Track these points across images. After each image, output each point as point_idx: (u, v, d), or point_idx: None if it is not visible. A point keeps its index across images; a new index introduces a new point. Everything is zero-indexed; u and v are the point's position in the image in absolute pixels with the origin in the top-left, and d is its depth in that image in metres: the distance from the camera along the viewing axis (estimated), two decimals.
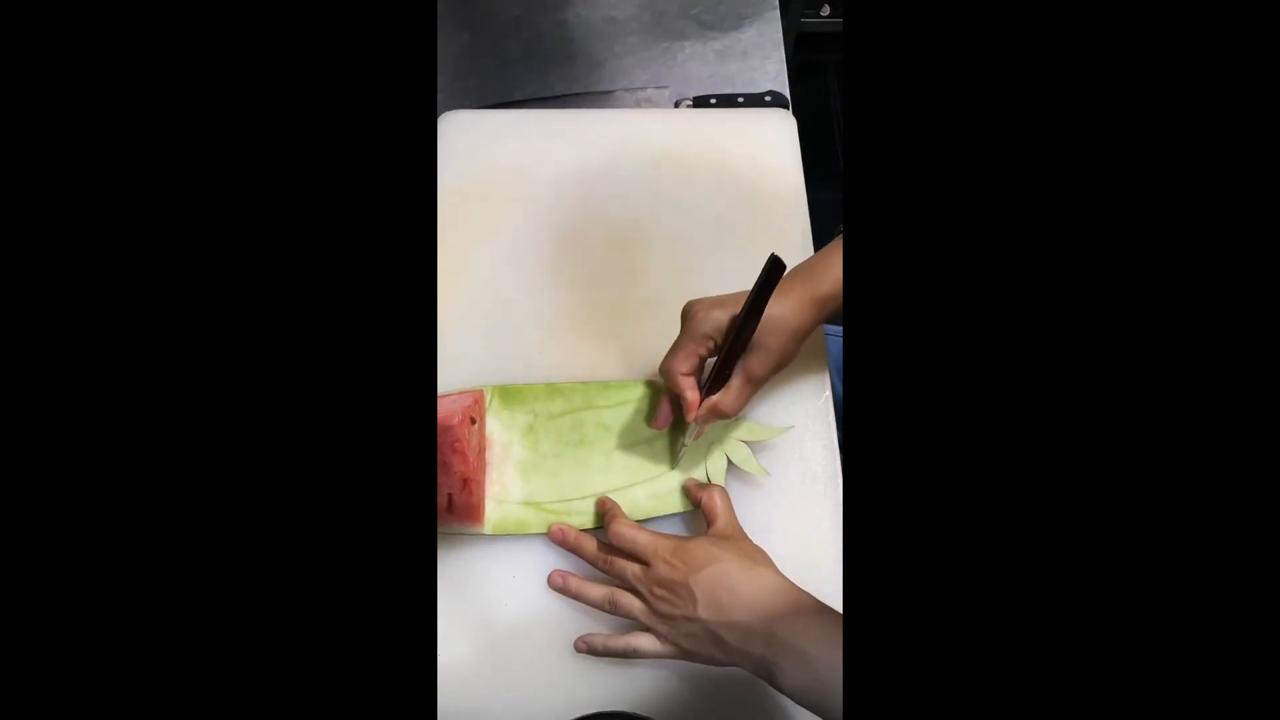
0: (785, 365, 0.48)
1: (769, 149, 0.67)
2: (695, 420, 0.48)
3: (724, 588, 0.42)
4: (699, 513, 0.50)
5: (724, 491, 0.49)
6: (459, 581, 0.50)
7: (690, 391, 0.47)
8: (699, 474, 0.52)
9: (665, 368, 0.48)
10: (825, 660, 0.39)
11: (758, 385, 0.48)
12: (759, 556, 0.45)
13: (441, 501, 0.49)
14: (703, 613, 0.42)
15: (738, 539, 0.47)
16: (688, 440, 0.50)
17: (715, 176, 0.66)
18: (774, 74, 0.78)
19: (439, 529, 0.50)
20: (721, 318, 0.46)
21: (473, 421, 0.52)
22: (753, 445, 0.52)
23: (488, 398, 0.54)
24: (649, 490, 0.51)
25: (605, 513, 0.49)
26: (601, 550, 0.48)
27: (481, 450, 0.52)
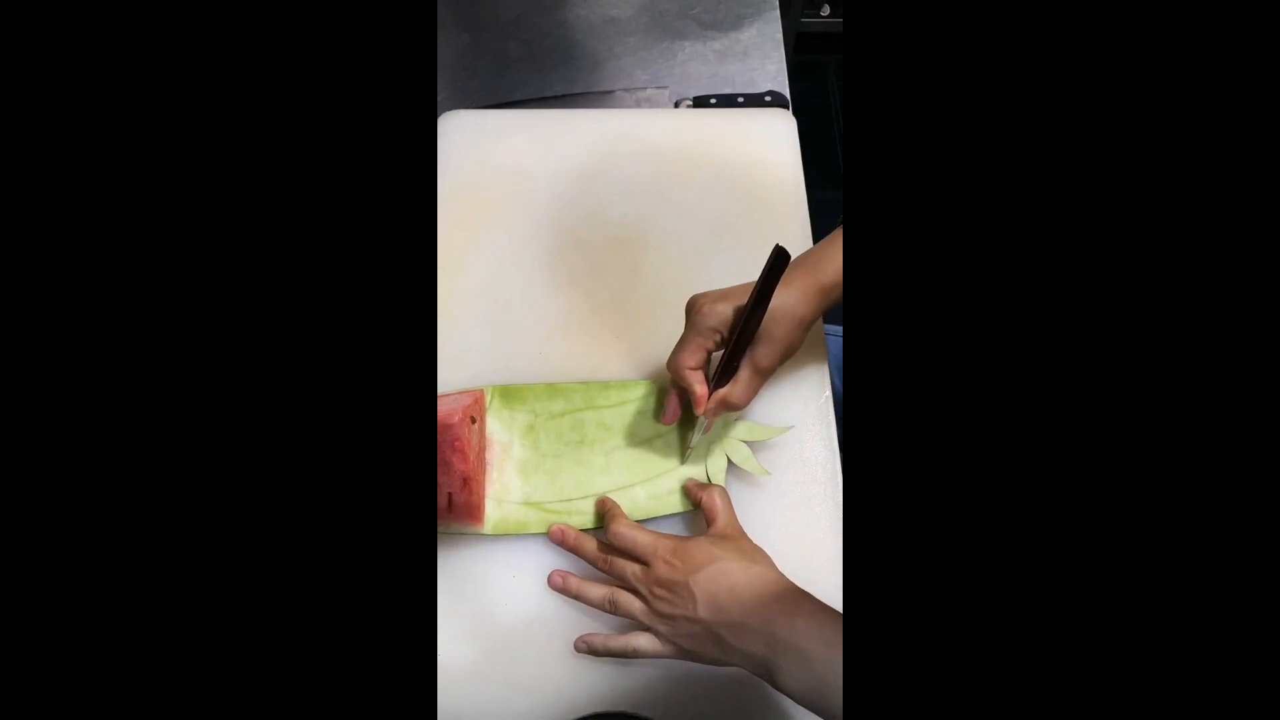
0: (792, 355, 0.49)
1: (769, 149, 0.67)
2: (704, 414, 0.48)
3: (724, 588, 0.42)
4: (699, 513, 0.50)
5: (724, 491, 0.49)
6: (459, 581, 0.50)
7: (699, 385, 0.47)
8: (699, 474, 0.52)
9: (673, 363, 0.48)
10: (825, 660, 0.39)
11: (765, 376, 0.48)
12: (759, 556, 0.45)
13: (441, 501, 0.49)
14: (702, 613, 0.42)
15: (738, 539, 0.47)
16: (697, 435, 0.50)
17: (715, 176, 0.66)
18: (774, 74, 0.78)
19: (439, 529, 0.50)
20: (726, 311, 0.47)
21: (473, 421, 0.52)
22: (753, 445, 0.52)
23: (488, 397, 0.54)
24: (649, 490, 0.51)
25: (605, 513, 0.49)
26: (601, 550, 0.48)
27: (481, 450, 0.52)
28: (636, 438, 0.53)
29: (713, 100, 0.74)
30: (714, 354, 0.49)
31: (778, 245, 0.41)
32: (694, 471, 0.52)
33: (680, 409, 0.51)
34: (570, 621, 0.49)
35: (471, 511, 0.50)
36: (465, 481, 0.49)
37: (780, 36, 0.80)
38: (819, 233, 0.63)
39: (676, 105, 0.76)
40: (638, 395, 0.54)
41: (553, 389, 0.55)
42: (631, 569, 0.45)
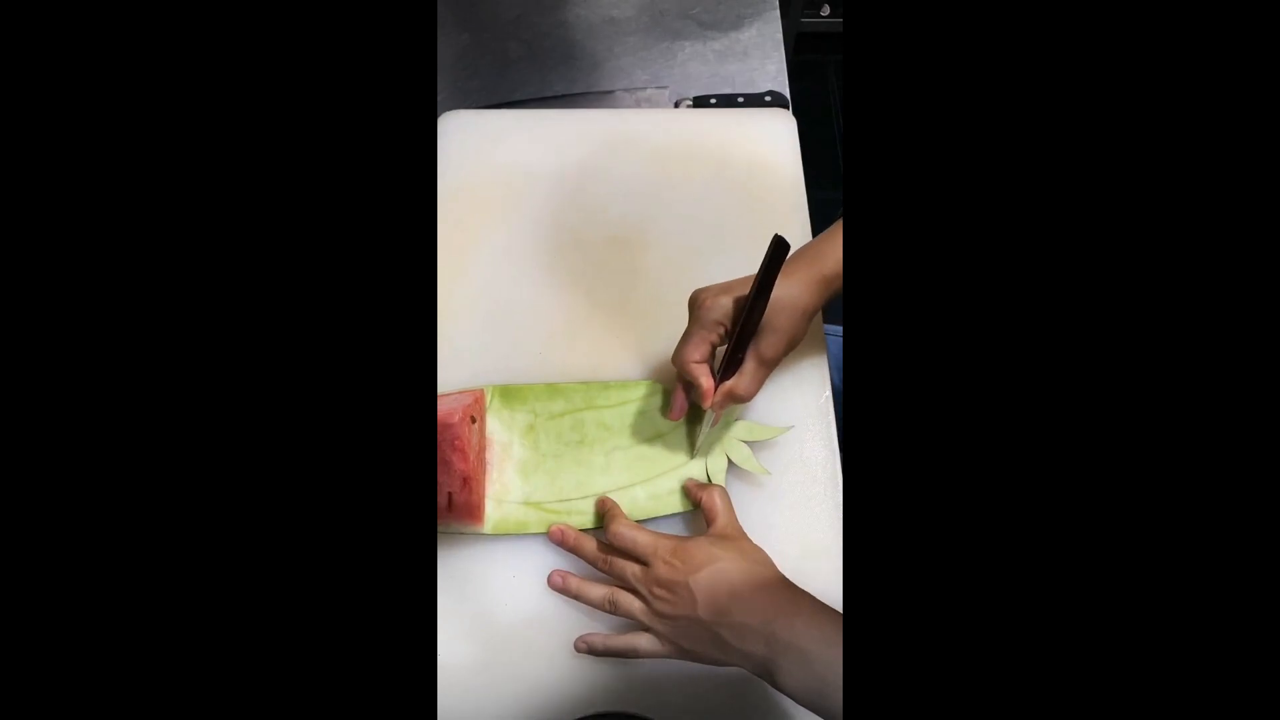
0: (796, 345, 0.49)
1: (769, 149, 0.67)
2: (712, 407, 0.48)
3: (723, 588, 0.42)
4: (699, 513, 0.50)
5: (724, 491, 0.49)
6: (459, 581, 0.50)
7: (705, 379, 0.48)
8: (699, 474, 0.52)
9: (678, 358, 0.48)
10: (825, 659, 0.39)
11: (771, 367, 0.48)
12: (759, 556, 0.45)
13: (442, 500, 0.49)
14: (702, 613, 0.42)
15: (737, 539, 0.47)
16: (705, 428, 0.51)
17: (715, 176, 0.66)
18: (774, 74, 0.78)
19: (439, 528, 0.50)
20: (729, 303, 0.47)
21: (473, 420, 0.52)
22: (752, 445, 0.52)
23: (488, 397, 0.54)
24: (649, 490, 0.51)
25: (605, 513, 0.49)
26: (601, 550, 0.48)
27: (482, 450, 0.52)
28: (637, 438, 0.53)
29: (713, 100, 0.74)
30: (718, 348, 0.49)
31: (776, 235, 0.41)
32: (693, 471, 0.52)
33: (687, 404, 0.51)
34: (570, 621, 0.49)
35: (471, 511, 0.50)
36: (465, 481, 0.49)
37: (780, 36, 0.80)
38: (819, 233, 0.63)
39: (676, 105, 0.76)
40: (638, 395, 0.54)
41: (553, 389, 0.55)
42: (631, 569, 0.45)
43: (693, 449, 0.52)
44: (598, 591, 0.47)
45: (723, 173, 0.66)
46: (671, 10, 0.82)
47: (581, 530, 0.50)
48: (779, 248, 0.41)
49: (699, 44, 0.80)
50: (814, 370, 0.57)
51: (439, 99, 0.76)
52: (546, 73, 0.78)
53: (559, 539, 0.49)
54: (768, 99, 0.74)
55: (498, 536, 0.51)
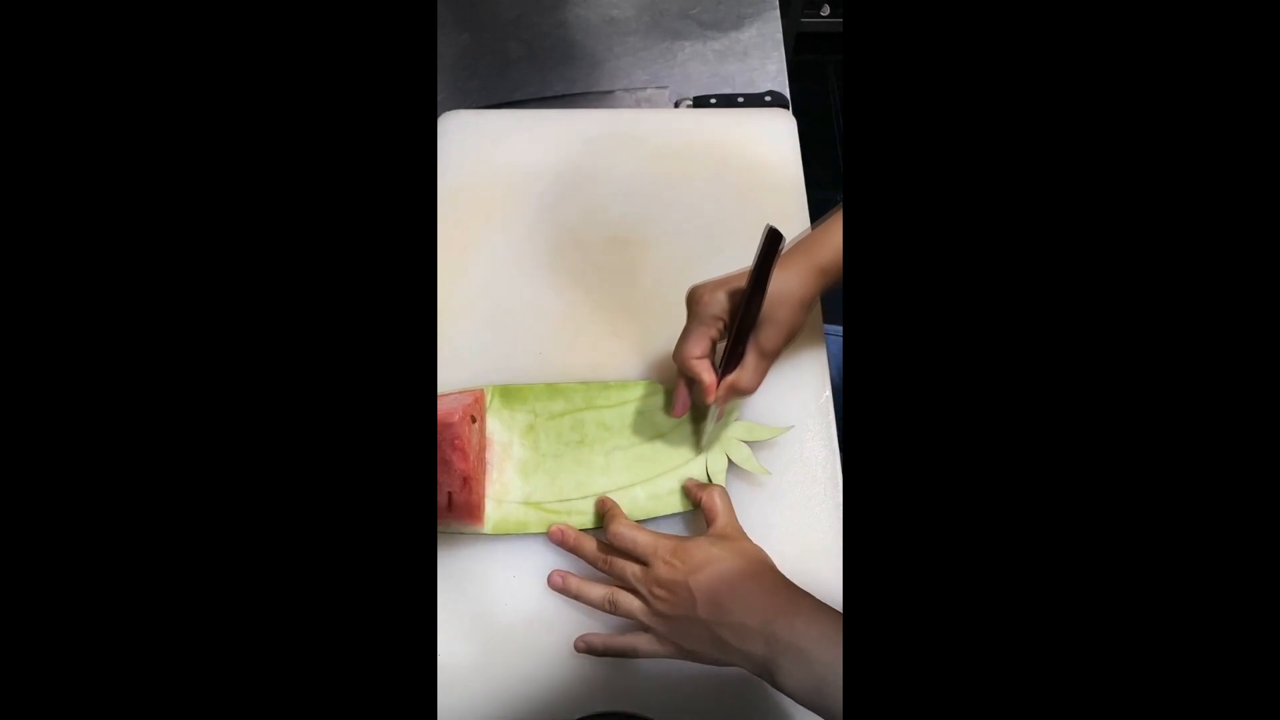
0: (795, 336, 0.49)
1: (769, 149, 0.67)
2: (715, 401, 0.48)
3: (723, 588, 0.42)
4: (699, 513, 0.50)
5: (724, 491, 0.49)
6: (459, 581, 0.50)
7: (707, 374, 0.48)
8: (699, 473, 0.52)
9: (679, 354, 0.48)
10: (825, 659, 0.39)
11: (771, 359, 0.48)
12: (759, 556, 0.45)
13: (441, 500, 0.49)
14: (702, 613, 0.42)
15: (737, 539, 0.47)
16: (710, 423, 0.51)
17: (715, 176, 0.66)
18: (774, 74, 0.78)
19: (439, 528, 0.50)
20: (727, 297, 0.47)
21: (473, 420, 0.52)
22: (752, 445, 0.52)
23: (488, 398, 0.54)
24: (649, 490, 0.51)
25: (605, 513, 0.49)
26: (601, 550, 0.48)
27: (482, 449, 0.52)
28: (637, 437, 0.53)
29: (713, 100, 0.74)
30: (718, 343, 0.49)
31: (769, 226, 0.41)
32: (693, 471, 0.52)
33: (690, 400, 0.51)
34: (570, 621, 0.49)
35: (471, 511, 0.50)
36: (465, 481, 0.49)
37: (780, 36, 0.80)
38: None
39: (676, 105, 0.76)
40: (638, 395, 0.54)
41: (553, 389, 0.55)
42: (631, 569, 0.45)
43: (699, 445, 0.52)
44: (597, 591, 0.47)
45: (723, 173, 0.66)
46: (671, 10, 0.82)
47: (581, 530, 0.50)
48: (772, 239, 0.41)
49: (699, 44, 0.80)
50: (814, 370, 0.57)
51: (439, 99, 0.76)
52: (546, 73, 0.78)
53: (559, 539, 0.49)
54: (768, 99, 0.74)
55: (498, 536, 0.51)
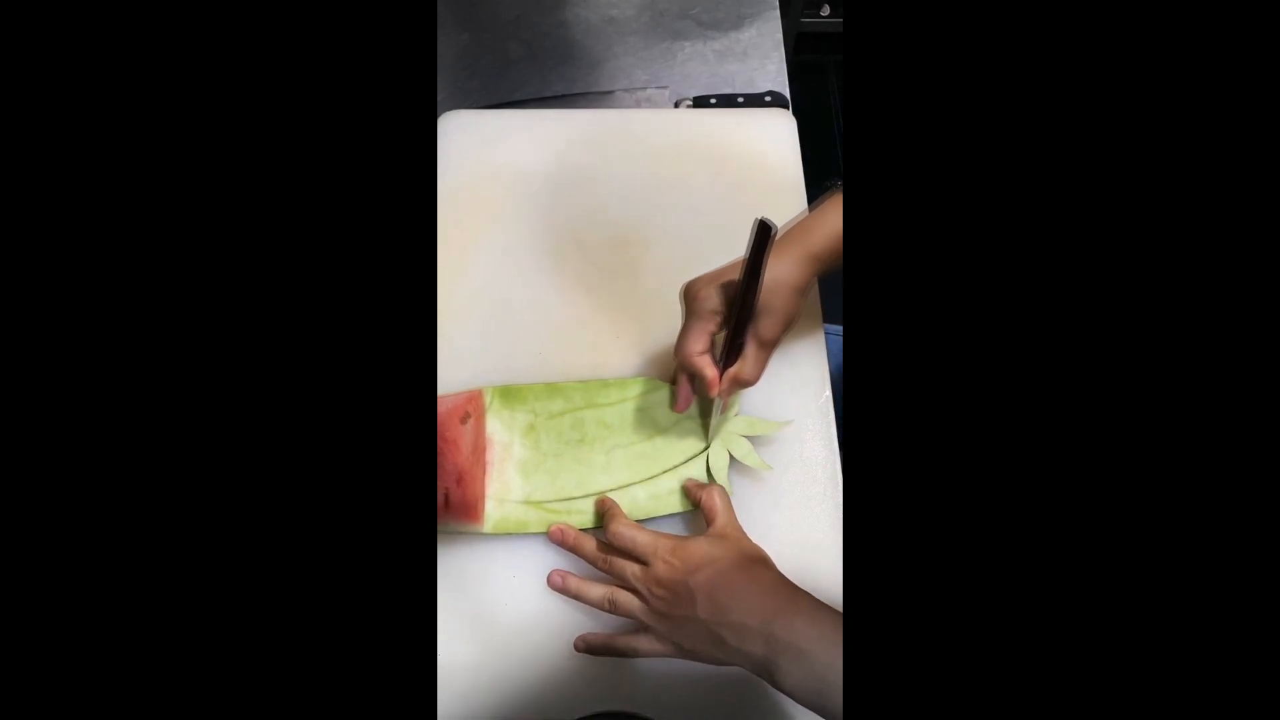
0: (793, 324, 0.49)
1: (769, 149, 0.67)
2: (719, 395, 0.48)
3: (723, 587, 0.42)
4: (699, 513, 0.50)
5: (723, 491, 0.49)
6: (458, 580, 0.50)
7: (709, 369, 0.48)
8: (700, 473, 0.52)
9: (680, 351, 0.48)
10: (825, 659, 0.39)
11: (771, 349, 0.48)
12: (759, 555, 0.45)
13: (439, 499, 0.49)
14: (702, 612, 0.42)
15: (737, 538, 0.47)
16: (715, 416, 0.51)
17: (715, 176, 0.66)
18: (774, 74, 0.78)
19: (438, 528, 0.50)
20: (723, 291, 0.47)
21: (467, 416, 0.52)
22: (753, 440, 0.52)
23: (488, 398, 0.54)
24: (649, 490, 0.51)
25: (605, 512, 0.49)
26: (601, 550, 0.48)
27: (478, 447, 0.52)
28: (637, 435, 0.53)
29: (713, 100, 0.74)
30: (717, 336, 0.49)
31: (759, 219, 0.41)
32: (694, 471, 0.52)
33: (693, 395, 0.51)
34: (570, 621, 0.49)
35: (469, 509, 0.50)
36: (460, 476, 0.49)
37: (780, 36, 0.80)
38: None
39: (676, 105, 0.76)
40: (637, 394, 0.54)
41: (552, 388, 0.55)
42: (631, 569, 0.45)
43: (704, 439, 0.53)
44: (597, 591, 0.47)
45: (723, 173, 0.66)
46: (671, 10, 0.82)
47: (581, 530, 0.50)
48: (763, 231, 0.41)
49: (699, 44, 0.80)
50: (814, 370, 0.57)
51: (439, 99, 0.76)
52: (546, 73, 0.78)
53: (558, 538, 0.49)
54: (768, 99, 0.74)
55: (497, 536, 0.51)
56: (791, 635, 0.40)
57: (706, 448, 0.52)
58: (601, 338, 0.59)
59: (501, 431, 0.53)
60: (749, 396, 0.53)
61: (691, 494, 0.50)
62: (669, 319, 0.51)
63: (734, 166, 0.66)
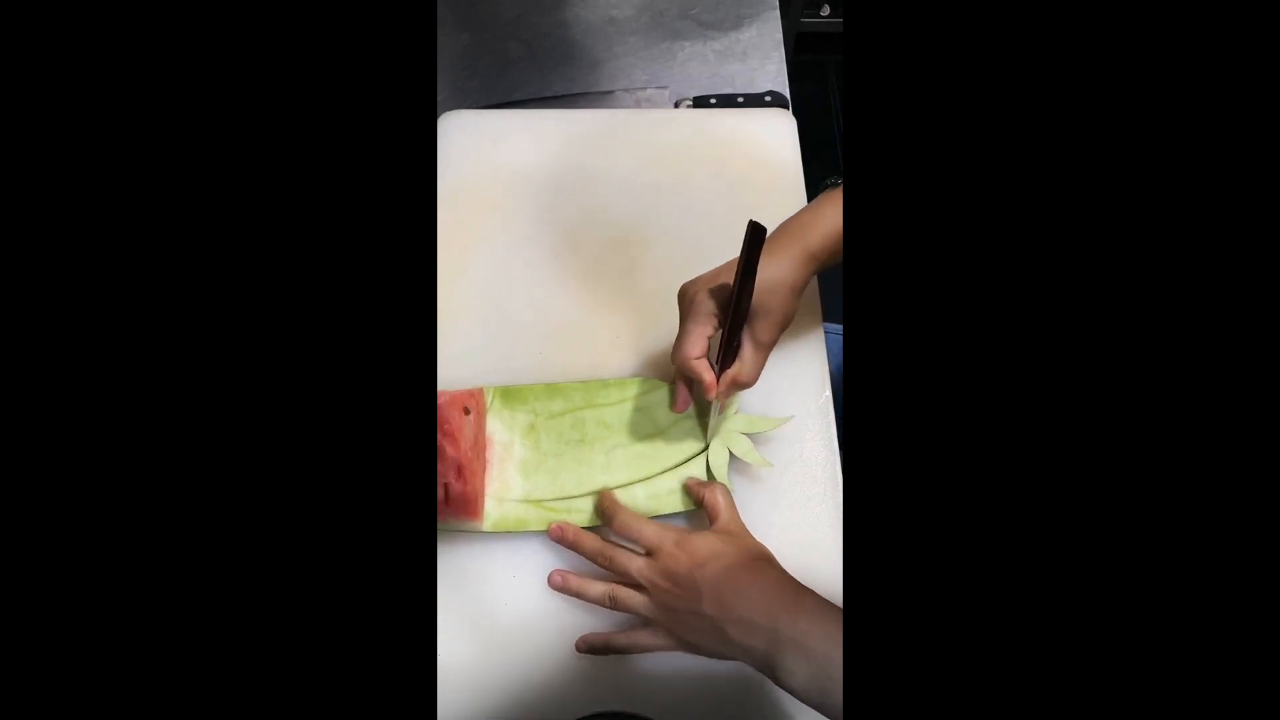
0: (789, 324, 0.49)
1: (769, 149, 0.67)
2: (717, 398, 0.48)
3: (728, 582, 0.42)
4: (699, 512, 0.50)
5: (725, 489, 0.49)
6: (458, 579, 0.50)
7: (707, 374, 0.48)
8: (700, 473, 0.52)
9: (678, 355, 0.48)
10: (828, 657, 0.39)
11: (768, 349, 0.48)
12: (763, 553, 0.45)
13: (439, 494, 0.49)
14: (707, 606, 0.42)
15: (741, 535, 0.47)
16: (714, 417, 0.51)
17: (715, 176, 0.66)
18: (774, 74, 0.78)
19: (439, 526, 0.50)
20: (719, 293, 0.47)
21: (467, 411, 0.52)
22: (753, 437, 0.52)
23: (488, 398, 0.54)
24: (649, 490, 0.51)
25: (607, 507, 0.49)
26: (601, 546, 0.48)
27: (479, 444, 0.52)
28: (637, 435, 0.53)
29: (713, 100, 0.74)
30: (714, 339, 0.49)
31: (752, 221, 0.41)
32: (694, 470, 0.52)
33: (691, 396, 0.51)
34: (570, 621, 0.49)
35: (469, 505, 0.50)
36: (460, 470, 0.49)
37: (780, 36, 0.80)
38: None
39: (676, 105, 0.76)
40: (637, 393, 0.54)
41: (552, 389, 0.55)
42: (635, 562, 0.45)
43: (706, 438, 0.53)
44: (597, 588, 0.47)
45: (723, 173, 0.66)
46: (671, 10, 0.82)
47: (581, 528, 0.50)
48: (755, 233, 0.41)
49: (699, 44, 0.80)
50: (813, 369, 0.57)
51: (439, 99, 0.76)
52: (546, 73, 0.79)
53: (558, 536, 0.49)
54: (768, 99, 0.74)
55: (497, 535, 0.51)
56: (796, 632, 0.40)
57: (706, 447, 0.52)
58: (601, 338, 0.59)
59: (502, 431, 0.53)
60: (749, 397, 0.53)
61: (694, 492, 0.50)
62: (669, 319, 0.51)
63: (734, 166, 0.66)
